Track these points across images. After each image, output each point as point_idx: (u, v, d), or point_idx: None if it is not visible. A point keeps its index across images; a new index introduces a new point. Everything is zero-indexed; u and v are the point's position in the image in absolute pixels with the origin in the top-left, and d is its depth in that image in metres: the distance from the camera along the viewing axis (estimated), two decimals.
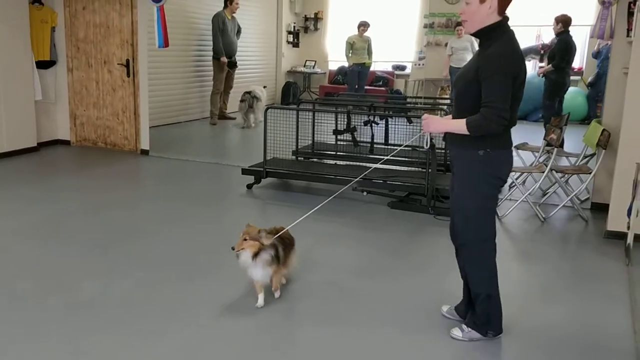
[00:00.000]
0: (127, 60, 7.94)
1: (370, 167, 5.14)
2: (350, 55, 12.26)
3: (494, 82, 2.89)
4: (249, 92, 10.71)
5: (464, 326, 3.33)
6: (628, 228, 4.70)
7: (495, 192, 3.19)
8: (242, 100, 10.71)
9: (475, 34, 3.06)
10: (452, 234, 3.35)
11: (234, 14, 10.78)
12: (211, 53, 10.68)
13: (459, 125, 3.02)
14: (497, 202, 3.34)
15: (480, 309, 3.26)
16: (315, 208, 3.86)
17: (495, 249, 3.25)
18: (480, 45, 3.08)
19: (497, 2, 2.95)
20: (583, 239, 5.24)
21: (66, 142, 8.54)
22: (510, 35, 2.98)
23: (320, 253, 4.60)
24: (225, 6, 10.63)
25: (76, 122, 8.49)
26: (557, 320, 3.61)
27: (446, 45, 12.38)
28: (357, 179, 5.30)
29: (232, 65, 10.98)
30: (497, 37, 2.96)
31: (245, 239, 3.46)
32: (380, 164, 5.24)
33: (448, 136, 3.21)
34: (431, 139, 5.50)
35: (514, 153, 6.60)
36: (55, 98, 8.38)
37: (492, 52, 2.93)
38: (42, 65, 8.04)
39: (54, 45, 8.19)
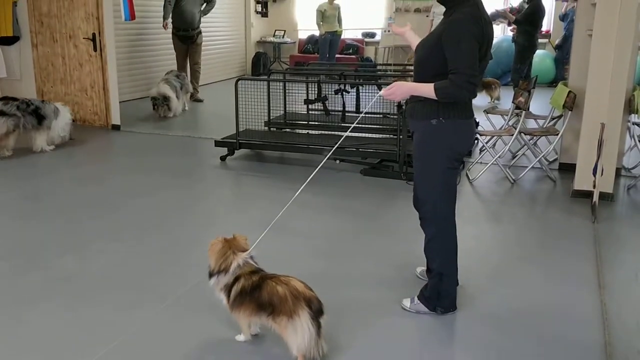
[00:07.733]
0: (93, 34, 7.80)
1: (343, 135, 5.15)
2: (321, 23, 12.20)
3: (460, 48, 2.81)
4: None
5: (415, 298, 3.29)
6: (594, 186, 4.84)
7: (452, 167, 3.06)
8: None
9: (440, 1, 3.00)
10: (415, 202, 3.30)
11: None
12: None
13: (427, 90, 2.90)
14: (458, 179, 3.15)
15: (431, 284, 3.22)
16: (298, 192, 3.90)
17: (453, 228, 3.19)
18: (445, 12, 3.00)
19: None
20: (551, 199, 5.38)
21: None
22: (475, 2, 2.90)
23: (297, 221, 4.66)
24: None
25: (44, 99, 8.34)
26: (526, 278, 3.73)
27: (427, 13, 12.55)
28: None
29: (185, 39, 9.86)
30: (461, 3, 2.88)
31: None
32: (351, 131, 5.24)
33: (408, 108, 3.14)
34: (400, 104, 5.58)
35: (484, 118, 6.79)
36: (21, 75, 8.22)
37: (456, 18, 2.86)
38: (5, 41, 7.88)
39: (17, 21, 8.00)
